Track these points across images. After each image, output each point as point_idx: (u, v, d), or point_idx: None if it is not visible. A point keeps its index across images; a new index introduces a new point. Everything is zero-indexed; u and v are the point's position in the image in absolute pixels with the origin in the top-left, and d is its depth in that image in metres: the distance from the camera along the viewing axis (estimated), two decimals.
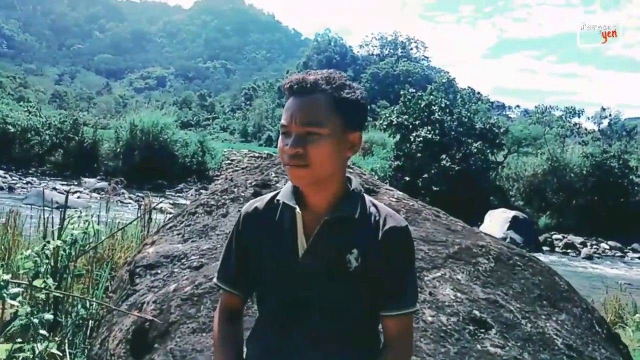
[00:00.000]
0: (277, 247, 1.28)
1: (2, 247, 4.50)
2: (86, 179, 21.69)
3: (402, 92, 24.27)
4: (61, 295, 2.25)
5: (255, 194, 3.20)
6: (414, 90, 24.21)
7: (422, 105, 22.68)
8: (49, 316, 1.85)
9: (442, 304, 2.05)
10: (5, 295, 1.65)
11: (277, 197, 1.30)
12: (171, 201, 17.16)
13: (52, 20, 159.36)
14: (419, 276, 2.16)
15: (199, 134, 29.74)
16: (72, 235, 2.96)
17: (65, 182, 20.86)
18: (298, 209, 1.25)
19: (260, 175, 3.49)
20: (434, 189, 20.06)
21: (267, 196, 1.36)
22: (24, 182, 20.04)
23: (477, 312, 2.07)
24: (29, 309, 1.71)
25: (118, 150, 24.27)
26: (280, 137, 1.23)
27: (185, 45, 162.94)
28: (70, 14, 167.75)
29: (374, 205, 1.29)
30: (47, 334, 1.72)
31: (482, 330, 2.00)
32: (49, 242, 2.12)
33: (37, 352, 1.71)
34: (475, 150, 21.79)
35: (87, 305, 2.82)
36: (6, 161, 24.09)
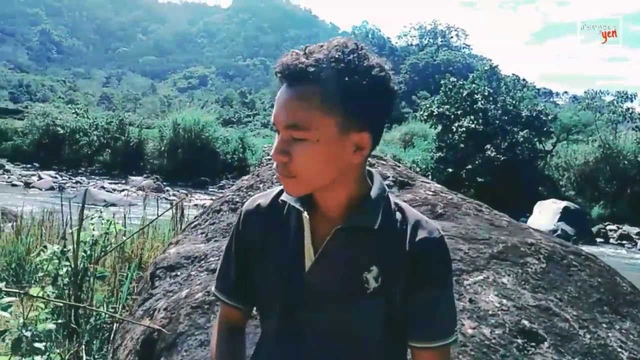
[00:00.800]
0: (282, 250, 1.05)
1: (38, 247, 4.52)
2: (133, 177, 22.32)
3: (442, 82, 23.65)
4: (61, 304, 2.12)
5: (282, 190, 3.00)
6: (454, 80, 23.50)
7: (464, 95, 22.05)
8: (51, 326, 1.71)
9: (485, 313, 1.77)
10: None
11: (282, 197, 1.07)
12: (213, 197, 17.34)
13: (97, 25, 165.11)
14: (458, 280, 1.88)
15: (239, 131, 30.17)
16: (92, 236, 2.87)
17: (113, 181, 21.54)
18: (305, 213, 1.02)
19: None
20: (479, 180, 19.51)
21: (273, 191, 1.13)
22: (74, 181, 20.77)
23: (526, 322, 1.78)
24: (22, 321, 1.58)
25: (162, 148, 24.97)
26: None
27: (225, 44, 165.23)
28: (114, 18, 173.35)
29: (400, 209, 1.03)
30: (42, 347, 1.58)
31: (533, 344, 1.71)
32: (45, 247, 1.99)
33: None
34: (521, 139, 20.99)
35: (108, 308, 2.70)
36: (57, 162, 25.14)
